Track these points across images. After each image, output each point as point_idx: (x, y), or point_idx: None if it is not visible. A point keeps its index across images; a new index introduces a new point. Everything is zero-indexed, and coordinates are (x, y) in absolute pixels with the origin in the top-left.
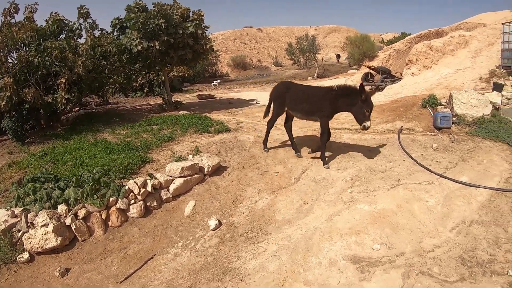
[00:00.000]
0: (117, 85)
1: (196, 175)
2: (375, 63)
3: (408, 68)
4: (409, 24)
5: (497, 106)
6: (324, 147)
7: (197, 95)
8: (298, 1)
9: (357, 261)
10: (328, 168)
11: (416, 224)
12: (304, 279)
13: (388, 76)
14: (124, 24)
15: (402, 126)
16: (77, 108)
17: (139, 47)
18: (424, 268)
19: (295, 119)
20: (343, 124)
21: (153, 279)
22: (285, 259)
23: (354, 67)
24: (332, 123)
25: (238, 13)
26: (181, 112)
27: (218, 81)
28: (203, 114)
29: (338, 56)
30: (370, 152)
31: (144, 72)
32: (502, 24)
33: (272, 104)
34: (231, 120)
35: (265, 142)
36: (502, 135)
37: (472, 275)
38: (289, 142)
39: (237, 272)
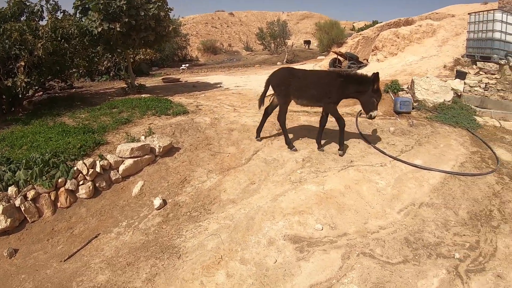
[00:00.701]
0: (80, 68)
1: (146, 156)
2: (343, 49)
3: (374, 55)
4: (383, 14)
5: (459, 94)
6: (343, 134)
7: (162, 79)
8: None
9: (297, 241)
10: (342, 155)
11: (363, 205)
12: (241, 257)
13: (355, 62)
14: (87, 6)
15: (361, 110)
16: (41, 93)
17: (100, 29)
18: (366, 249)
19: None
20: (304, 107)
21: (95, 257)
22: (224, 237)
23: (324, 53)
24: (292, 106)
25: None
26: (143, 95)
27: (187, 65)
28: (165, 97)
29: (307, 42)
30: (325, 134)
31: (109, 55)
32: (469, 14)
33: (274, 92)
34: (191, 103)
35: (288, 141)
36: (462, 121)
37: (416, 257)
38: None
39: (175, 250)
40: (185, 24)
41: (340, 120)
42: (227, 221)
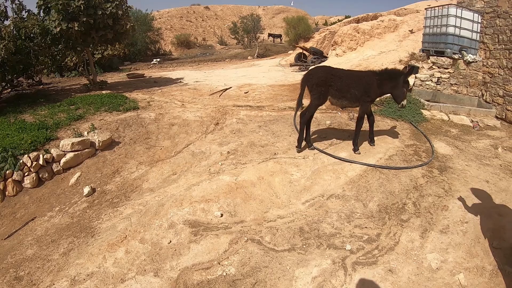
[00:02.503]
0: (47, 65)
1: (87, 150)
2: (310, 44)
3: (333, 49)
4: (363, 8)
5: (410, 88)
6: (358, 134)
7: (127, 74)
8: None
9: (195, 225)
10: (359, 153)
11: (270, 195)
12: (141, 238)
13: (319, 57)
14: (49, 5)
15: (303, 104)
16: (9, 90)
17: (58, 29)
18: (257, 236)
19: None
20: (248, 102)
21: (28, 236)
22: (134, 220)
23: (291, 47)
24: (237, 101)
25: None
26: (104, 92)
27: (159, 59)
28: (123, 94)
29: (277, 36)
30: (260, 127)
31: (73, 52)
32: (425, 9)
33: (311, 93)
34: (145, 99)
35: (300, 140)
36: (406, 114)
37: (305, 246)
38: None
39: (91, 230)
40: (159, 18)
41: (361, 121)
42: (141, 207)
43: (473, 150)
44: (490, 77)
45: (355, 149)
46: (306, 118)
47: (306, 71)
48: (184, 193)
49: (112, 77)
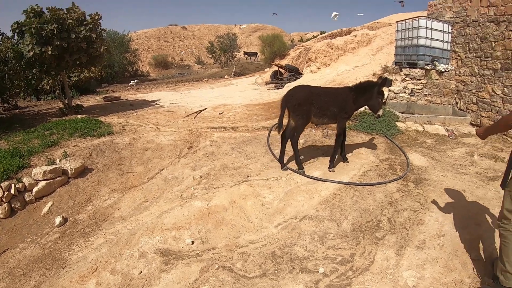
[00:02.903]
0: (22, 89)
1: (59, 178)
2: (286, 61)
3: (308, 66)
4: (338, 24)
5: (384, 101)
6: (337, 151)
7: (103, 97)
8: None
9: (166, 254)
10: (333, 171)
11: (242, 220)
12: (112, 268)
13: (295, 74)
14: (23, 29)
15: (275, 124)
16: None
17: (31, 53)
18: (228, 263)
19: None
20: (222, 123)
21: (0, 268)
22: (105, 251)
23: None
24: (212, 122)
25: (165, 11)
26: (79, 116)
27: (136, 81)
28: (98, 118)
29: (252, 54)
30: (233, 149)
31: (48, 76)
32: (396, 22)
33: (294, 114)
34: (120, 123)
35: (299, 162)
36: (381, 128)
37: (277, 271)
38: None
39: (62, 262)
40: (137, 39)
41: (340, 137)
42: (112, 236)
43: (449, 160)
44: (463, 85)
45: (331, 166)
46: (295, 139)
47: (286, 92)
48: (156, 221)
49: (89, 100)
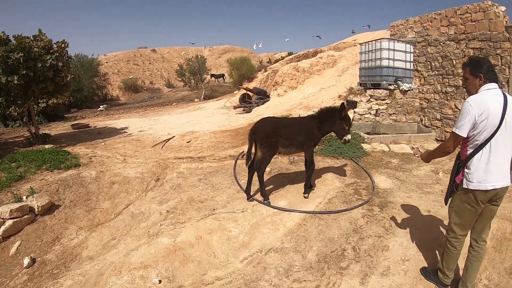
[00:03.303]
0: None
1: (26, 216)
2: (254, 83)
3: (275, 90)
4: (302, 44)
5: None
6: (310, 178)
7: (72, 125)
8: (195, 21)
9: None
10: (307, 197)
11: (208, 256)
12: None
13: (263, 97)
14: None
15: (243, 151)
16: None
17: None
18: None
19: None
20: (189, 153)
21: None
22: None
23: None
24: (179, 152)
25: (135, 33)
26: (47, 146)
27: (105, 105)
28: (67, 148)
29: (217, 76)
30: (200, 181)
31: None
32: (360, 44)
33: (261, 146)
34: (87, 154)
35: (263, 193)
36: (346, 151)
37: None
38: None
39: None
40: (106, 62)
41: (312, 165)
42: (81, 277)
43: (414, 179)
44: (427, 103)
45: (306, 191)
46: (262, 171)
47: (253, 125)
48: (123, 260)
49: (57, 128)
